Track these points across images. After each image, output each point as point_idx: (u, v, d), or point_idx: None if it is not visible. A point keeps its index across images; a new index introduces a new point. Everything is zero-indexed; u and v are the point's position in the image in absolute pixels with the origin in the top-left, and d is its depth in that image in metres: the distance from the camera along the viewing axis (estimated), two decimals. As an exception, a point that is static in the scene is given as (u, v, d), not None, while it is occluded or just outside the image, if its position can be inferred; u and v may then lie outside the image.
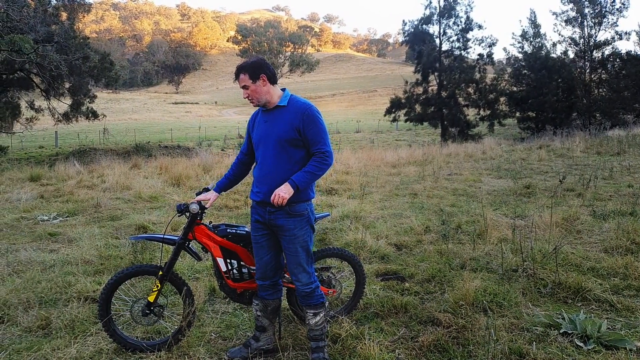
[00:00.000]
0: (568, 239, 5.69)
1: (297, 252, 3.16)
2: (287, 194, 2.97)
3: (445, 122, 33.28)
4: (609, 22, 33.31)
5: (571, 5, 34.24)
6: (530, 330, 3.53)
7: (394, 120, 35.32)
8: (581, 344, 3.29)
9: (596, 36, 33.79)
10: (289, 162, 3.09)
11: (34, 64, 19.63)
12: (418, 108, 33.69)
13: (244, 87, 3.12)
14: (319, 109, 3.17)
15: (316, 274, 3.75)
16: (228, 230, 3.41)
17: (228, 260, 3.40)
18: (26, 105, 25.20)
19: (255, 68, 3.08)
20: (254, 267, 3.42)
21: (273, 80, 3.13)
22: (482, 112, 33.36)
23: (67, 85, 24.76)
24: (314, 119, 3.05)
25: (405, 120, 34.74)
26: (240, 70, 3.11)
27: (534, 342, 3.31)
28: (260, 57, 3.19)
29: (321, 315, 3.24)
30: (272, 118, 3.15)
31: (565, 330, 3.45)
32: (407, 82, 34.09)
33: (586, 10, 33.72)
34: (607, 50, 33.72)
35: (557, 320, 3.61)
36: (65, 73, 20.96)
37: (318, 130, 3.05)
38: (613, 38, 33.27)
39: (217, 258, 3.37)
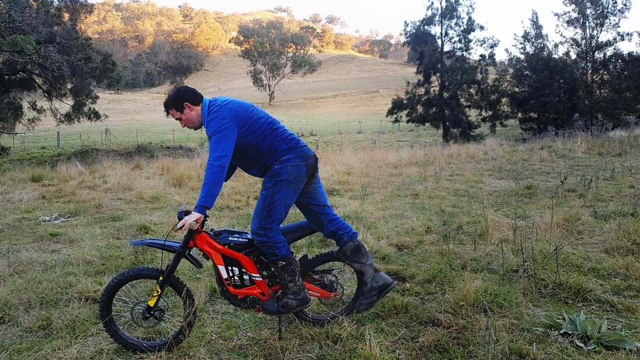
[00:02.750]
0: (569, 239, 5.68)
1: (259, 199, 3.41)
2: (191, 219, 3.15)
3: (447, 123, 33.27)
4: (610, 23, 33.32)
5: (573, 6, 34.23)
6: (531, 331, 3.53)
7: (396, 121, 35.32)
8: (581, 345, 3.29)
9: (598, 37, 33.79)
10: (249, 151, 3.40)
11: (36, 64, 19.70)
12: (420, 109, 33.69)
13: (178, 119, 3.46)
14: (222, 105, 3.32)
15: (318, 276, 3.76)
16: (230, 239, 3.41)
17: (229, 268, 3.40)
18: (28, 105, 25.26)
19: (177, 100, 3.39)
20: (255, 274, 3.45)
21: (197, 102, 3.42)
22: (484, 113, 33.33)
23: (69, 86, 24.84)
24: (209, 129, 3.29)
25: (407, 121, 34.75)
26: (166, 107, 3.45)
27: (535, 343, 3.30)
28: (177, 88, 3.48)
29: (274, 268, 3.42)
30: None
31: (565, 330, 3.45)
32: (409, 82, 34.12)
33: (588, 11, 33.71)
34: (609, 51, 33.75)
35: (558, 320, 3.61)
36: (67, 74, 21.02)
37: (211, 138, 3.25)
38: (615, 39, 33.27)
39: (219, 266, 3.37)
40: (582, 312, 3.70)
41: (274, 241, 3.34)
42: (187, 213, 3.31)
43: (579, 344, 3.30)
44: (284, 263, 3.37)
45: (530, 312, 3.85)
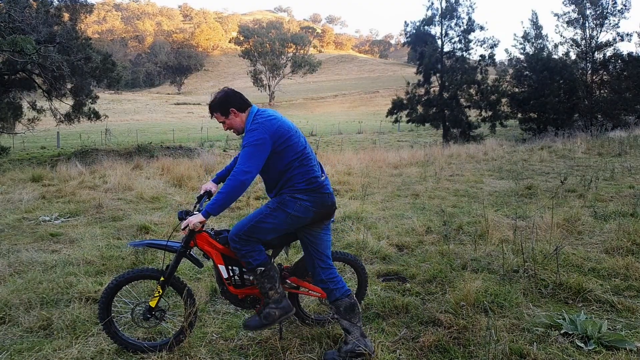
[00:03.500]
0: (569, 239, 5.69)
1: (256, 211, 3.31)
2: (196, 220, 3.15)
3: (447, 123, 33.27)
4: (610, 24, 33.39)
5: (573, 6, 34.29)
6: (531, 331, 3.53)
7: (396, 121, 35.32)
8: (582, 345, 3.29)
9: (597, 37, 33.85)
10: (270, 172, 3.29)
11: (36, 64, 19.68)
12: (420, 109, 33.70)
13: (222, 123, 3.40)
14: (267, 119, 3.21)
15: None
16: None
17: (230, 267, 3.38)
18: (28, 105, 25.24)
19: (223, 105, 3.32)
20: None
21: (243, 109, 3.34)
22: (483, 113, 33.34)
23: (69, 85, 24.81)
24: (245, 138, 3.20)
25: (407, 121, 34.76)
26: (212, 109, 3.39)
27: (535, 343, 3.31)
28: (225, 91, 3.38)
29: (252, 276, 3.33)
30: None
31: (565, 330, 3.46)
32: (409, 83, 34.12)
33: (588, 12, 33.75)
34: (609, 52, 33.83)
35: (558, 320, 3.61)
36: (67, 74, 20.99)
37: (244, 148, 3.17)
38: (614, 39, 33.37)
39: (219, 265, 3.36)
40: (583, 312, 3.71)
41: (247, 250, 3.25)
42: (188, 213, 3.31)
43: (579, 344, 3.31)
44: (262, 269, 3.28)
45: (531, 312, 3.85)
